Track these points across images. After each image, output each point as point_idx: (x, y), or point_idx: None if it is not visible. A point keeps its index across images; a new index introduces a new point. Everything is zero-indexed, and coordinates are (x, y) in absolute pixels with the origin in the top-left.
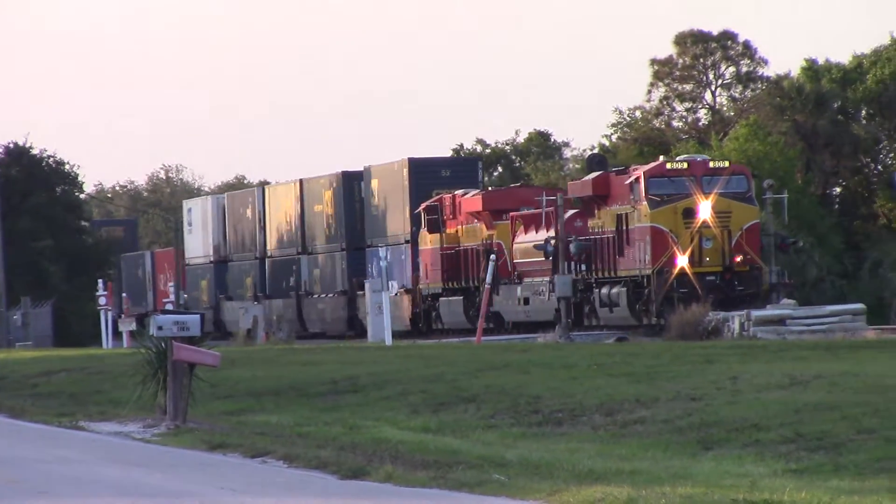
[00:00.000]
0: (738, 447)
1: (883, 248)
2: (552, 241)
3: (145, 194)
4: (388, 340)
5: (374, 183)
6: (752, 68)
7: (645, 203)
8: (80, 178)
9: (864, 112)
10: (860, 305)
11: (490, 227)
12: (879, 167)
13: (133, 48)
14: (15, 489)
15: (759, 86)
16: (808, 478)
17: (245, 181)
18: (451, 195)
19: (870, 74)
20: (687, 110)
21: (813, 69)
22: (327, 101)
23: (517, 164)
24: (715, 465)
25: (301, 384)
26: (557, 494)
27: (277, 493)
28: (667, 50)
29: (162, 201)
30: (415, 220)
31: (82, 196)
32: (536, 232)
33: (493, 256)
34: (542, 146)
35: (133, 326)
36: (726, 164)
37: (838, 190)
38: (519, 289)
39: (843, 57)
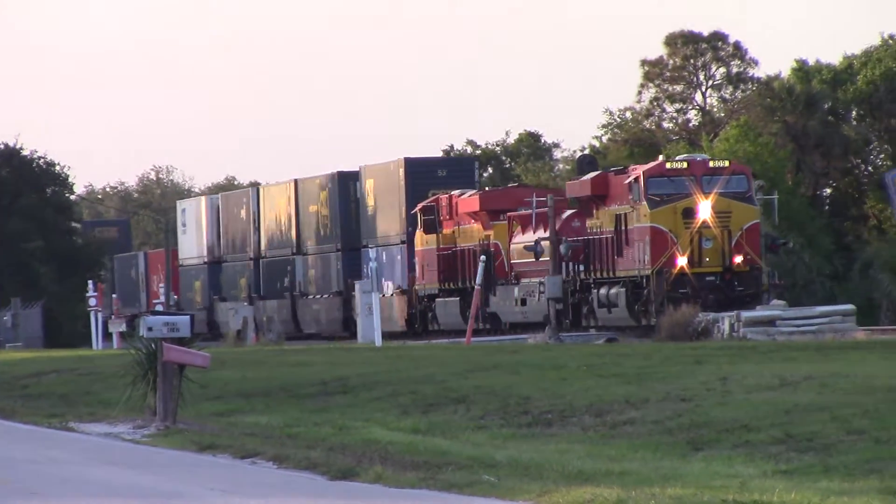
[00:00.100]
0: (727, 448)
1: (873, 249)
2: (542, 242)
3: (135, 195)
4: (378, 341)
5: (370, 183)
6: (742, 69)
7: (644, 203)
8: (70, 180)
9: (854, 113)
10: (850, 306)
11: (487, 227)
12: (870, 168)
13: (124, 49)
14: (5, 490)
15: (750, 87)
16: (798, 479)
17: (236, 182)
18: (447, 195)
19: (860, 75)
20: (677, 111)
21: (803, 70)
22: (317, 102)
23: (507, 165)
24: (705, 466)
25: (291, 385)
26: (547, 495)
27: (267, 493)
28: (657, 51)
29: (152, 202)
30: (411, 221)
31: (73, 197)
32: (534, 232)
33: (483, 258)
34: (532, 147)
35: (123, 327)
36: (726, 163)
37: (828, 191)
38: (516, 289)
39: (834, 58)
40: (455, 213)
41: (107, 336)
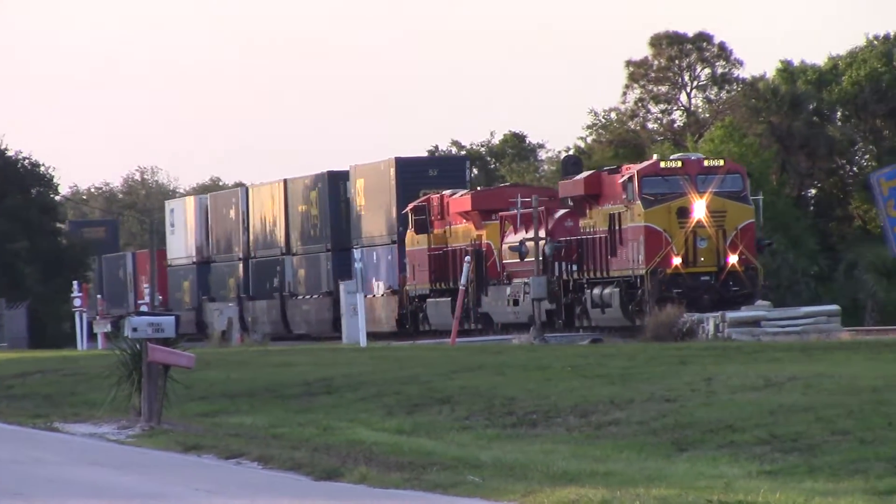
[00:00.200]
0: (712, 448)
1: (858, 250)
2: (527, 243)
3: (120, 196)
4: (363, 342)
5: (360, 183)
6: (727, 70)
7: (639, 202)
8: (55, 180)
9: (839, 114)
10: (835, 307)
11: (479, 227)
12: (854, 169)
13: (109, 49)
14: None
15: (735, 87)
16: (783, 479)
17: (220, 183)
18: (438, 195)
19: (845, 76)
20: (662, 112)
21: (788, 71)
22: (300, 103)
23: (492, 166)
24: (689, 467)
25: (275, 386)
26: (531, 496)
27: (252, 494)
28: (642, 51)
29: (137, 203)
30: (402, 221)
31: (57, 198)
32: (526, 232)
33: (467, 258)
34: (517, 148)
35: (108, 328)
36: (721, 162)
37: (813, 191)
38: (508, 290)
39: (819, 58)
40: (446, 213)
41: (91, 336)
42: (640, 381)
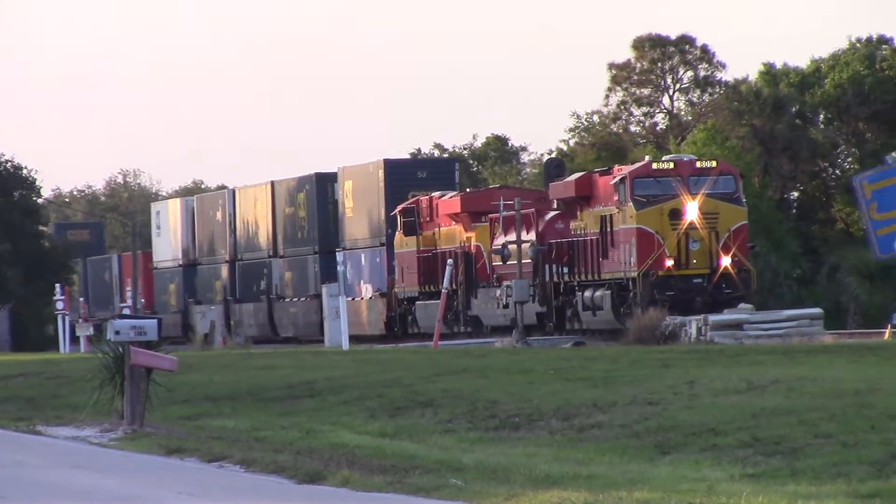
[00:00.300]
0: (695, 452)
1: (840, 253)
2: (509, 246)
3: (103, 199)
4: (345, 345)
5: (348, 184)
6: (710, 72)
7: (630, 204)
8: (37, 183)
9: (822, 116)
10: (817, 310)
11: (468, 229)
12: (837, 171)
13: (91, 51)
14: None
15: (717, 90)
16: (766, 482)
17: (203, 186)
18: (427, 197)
19: (828, 79)
20: (645, 115)
21: (771, 73)
22: (283, 106)
23: (475, 169)
24: (672, 470)
25: (258, 389)
26: (514, 499)
27: (234, 497)
28: (625, 54)
29: (120, 206)
30: (390, 223)
31: (40, 200)
32: (517, 235)
33: (450, 262)
34: (499, 150)
35: (90, 331)
36: (714, 164)
37: (796, 194)
38: (497, 292)
39: (802, 61)
40: (435, 215)
41: (74, 339)
42: (622, 384)
